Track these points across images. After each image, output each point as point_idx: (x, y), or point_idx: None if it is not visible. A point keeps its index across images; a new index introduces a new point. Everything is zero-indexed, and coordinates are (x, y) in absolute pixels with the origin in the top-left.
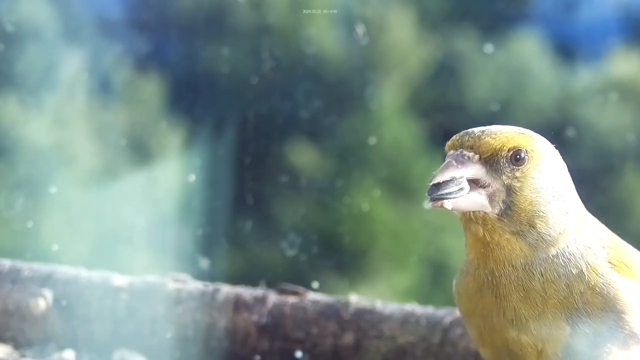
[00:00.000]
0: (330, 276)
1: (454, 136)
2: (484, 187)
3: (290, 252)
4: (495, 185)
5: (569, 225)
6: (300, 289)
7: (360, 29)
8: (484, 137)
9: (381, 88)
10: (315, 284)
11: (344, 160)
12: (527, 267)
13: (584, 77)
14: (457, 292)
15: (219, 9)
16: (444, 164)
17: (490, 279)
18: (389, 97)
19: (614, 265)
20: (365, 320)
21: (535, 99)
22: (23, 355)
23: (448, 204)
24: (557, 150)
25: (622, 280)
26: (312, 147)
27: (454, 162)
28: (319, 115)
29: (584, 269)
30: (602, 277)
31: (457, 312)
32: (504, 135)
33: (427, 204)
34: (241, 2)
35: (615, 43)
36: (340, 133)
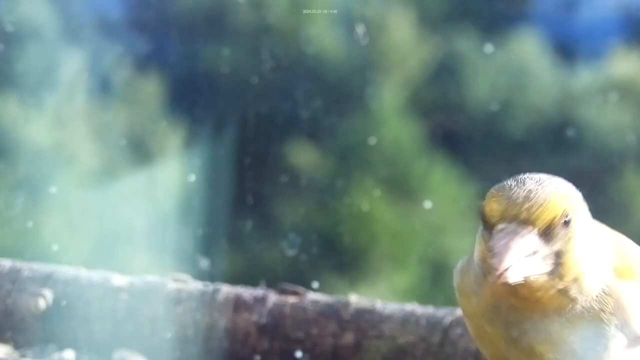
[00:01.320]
0: (330, 276)
1: (497, 203)
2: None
3: (290, 252)
4: (548, 250)
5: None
6: (300, 289)
7: (360, 29)
8: (538, 209)
9: (381, 88)
10: (315, 284)
11: (344, 160)
12: (559, 317)
13: (584, 77)
14: (458, 290)
15: (219, 9)
16: (501, 241)
17: (510, 319)
18: (389, 97)
19: (617, 268)
20: (365, 320)
21: (535, 99)
22: (23, 355)
23: (517, 277)
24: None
25: (623, 283)
26: (312, 147)
27: (511, 239)
28: (319, 115)
29: (604, 297)
30: (608, 290)
31: (457, 312)
32: (553, 202)
33: (490, 278)
34: (241, 2)
35: (615, 43)
36: (340, 133)
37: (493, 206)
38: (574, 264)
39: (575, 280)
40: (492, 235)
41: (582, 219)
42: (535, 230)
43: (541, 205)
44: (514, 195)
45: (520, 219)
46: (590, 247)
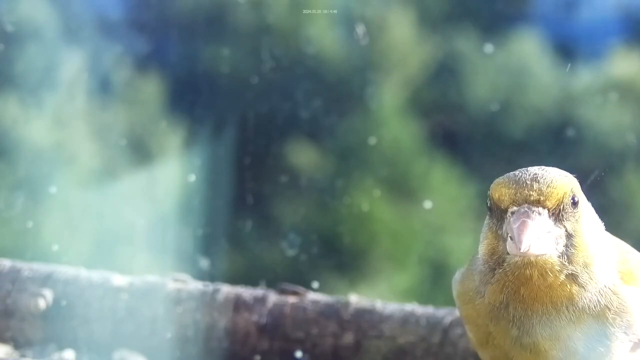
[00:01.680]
0: (330, 276)
1: (506, 187)
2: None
3: (290, 252)
4: (560, 231)
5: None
6: (300, 289)
7: (360, 29)
8: (548, 189)
9: (381, 88)
10: (315, 284)
11: (344, 160)
12: (569, 308)
13: (584, 77)
14: (459, 298)
15: (219, 9)
16: (517, 222)
17: (517, 315)
18: (389, 97)
19: (619, 271)
20: (365, 320)
21: (535, 99)
22: (23, 355)
23: (536, 250)
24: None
25: (627, 288)
26: (312, 147)
27: (527, 221)
28: (319, 115)
29: (610, 295)
30: (613, 288)
31: (457, 312)
32: (560, 183)
33: (513, 255)
34: (241, 2)
35: (615, 43)
36: (340, 133)
37: (502, 191)
38: (584, 247)
39: (585, 266)
40: (506, 219)
41: (586, 205)
42: (546, 212)
43: (549, 185)
44: (522, 178)
45: (531, 200)
46: (598, 236)
